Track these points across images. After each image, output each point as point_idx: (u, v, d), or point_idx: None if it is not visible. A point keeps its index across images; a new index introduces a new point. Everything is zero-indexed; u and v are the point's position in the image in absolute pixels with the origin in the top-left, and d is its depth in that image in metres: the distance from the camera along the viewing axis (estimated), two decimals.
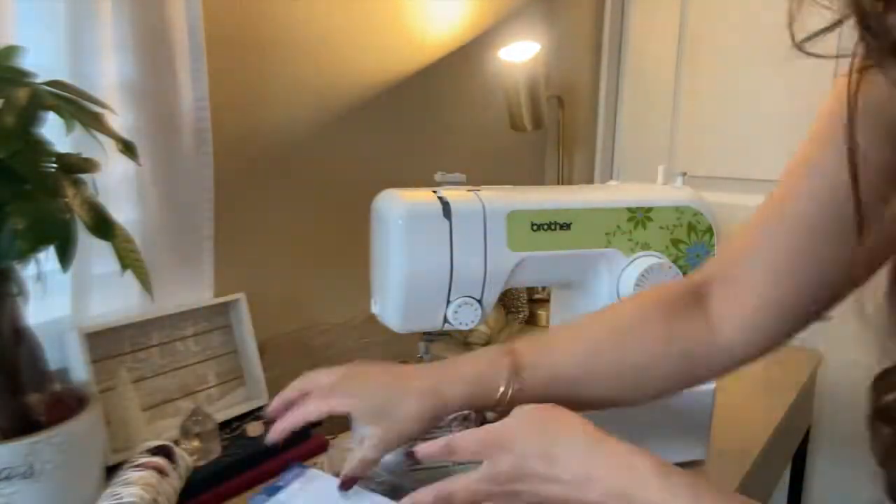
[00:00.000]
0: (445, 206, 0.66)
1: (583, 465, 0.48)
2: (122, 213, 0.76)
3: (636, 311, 0.61)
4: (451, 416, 0.62)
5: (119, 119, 0.68)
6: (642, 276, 0.70)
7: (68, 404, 0.62)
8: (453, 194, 0.68)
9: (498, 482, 0.50)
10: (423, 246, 0.65)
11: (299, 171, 1.01)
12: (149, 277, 0.62)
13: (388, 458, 0.65)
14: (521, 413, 0.52)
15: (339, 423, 0.90)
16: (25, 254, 0.52)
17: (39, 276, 0.56)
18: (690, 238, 0.73)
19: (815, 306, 0.53)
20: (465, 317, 0.68)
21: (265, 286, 0.97)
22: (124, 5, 0.74)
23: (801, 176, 0.52)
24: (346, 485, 0.58)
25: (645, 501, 0.45)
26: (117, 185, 0.76)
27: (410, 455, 0.55)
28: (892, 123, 0.44)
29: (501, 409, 0.57)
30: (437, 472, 0.69)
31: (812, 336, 1.28)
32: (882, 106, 0.44)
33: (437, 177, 0.70)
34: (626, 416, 0.71)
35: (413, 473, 0.69)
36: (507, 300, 1.25)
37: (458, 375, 0.58)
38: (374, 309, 0.72)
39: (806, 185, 0.51)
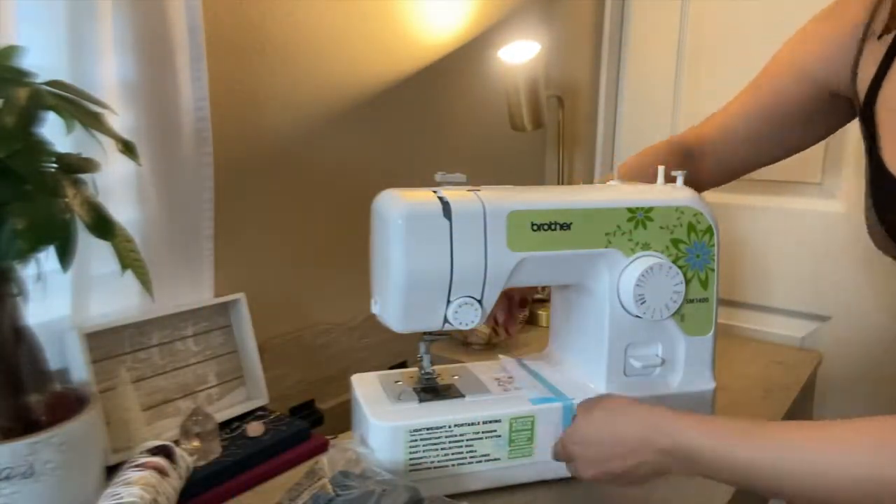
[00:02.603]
0: (445, 206, 0.66)
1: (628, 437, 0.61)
2: (122, 213, 0.76)
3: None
4: None
5: (119, 119, 0.68)
6: (642, 276, 0.70)
7: (68, 404, 0.62)
8: (453, 194, 0.68)
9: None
10: (423, 246, 0.65)
11: (299, 172, 1.01)
12: (149, 277, 0.62)
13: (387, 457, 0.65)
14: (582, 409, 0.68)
15: (339, 424, 0.90)
16: (25, 254, 0.52)
17: (39, 276, 0.56)
18: (690, 238, 0.73)
19: (766, 159, 0.87)
20: (465, 317, 0.68)
21: (265, 286, 0.97)
22: (124, 5, 0.74)
23: (768, 91, 0.81)
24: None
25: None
26: (117, 185, 0.76)
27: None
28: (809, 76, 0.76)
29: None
30: (439, 471, 0.70)
31: (812, 336, 1.28)
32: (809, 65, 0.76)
33: (438, 177, 0.70)
34: None
35: (413, 474, 0.69)
36: None
37: None
38: (374, 309, 0.72)
39: (769, 96, 0.81)
